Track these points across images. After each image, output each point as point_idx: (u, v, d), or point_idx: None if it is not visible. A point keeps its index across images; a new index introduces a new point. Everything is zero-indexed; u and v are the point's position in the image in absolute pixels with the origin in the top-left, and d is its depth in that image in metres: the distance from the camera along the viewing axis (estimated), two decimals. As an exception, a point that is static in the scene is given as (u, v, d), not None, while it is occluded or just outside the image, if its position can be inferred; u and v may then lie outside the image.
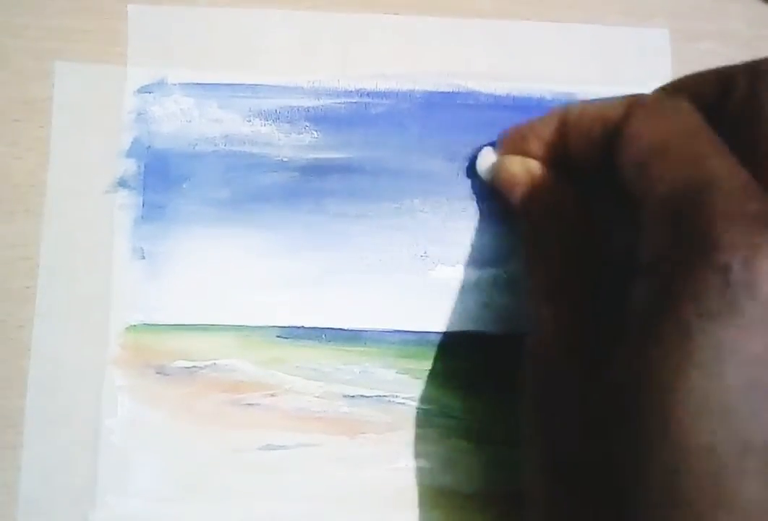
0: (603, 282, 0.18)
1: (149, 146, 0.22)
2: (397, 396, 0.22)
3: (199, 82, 0.23)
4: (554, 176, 0.20)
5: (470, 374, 0.22)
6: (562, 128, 0.20)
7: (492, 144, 0.22)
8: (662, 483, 0.14)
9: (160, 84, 0.23)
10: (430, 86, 0.23)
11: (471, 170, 0.22)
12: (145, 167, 0.22)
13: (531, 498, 0.18)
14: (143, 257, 0.22)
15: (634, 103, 0.18)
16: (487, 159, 0.22)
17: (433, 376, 0.22)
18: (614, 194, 0.19)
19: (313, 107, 0.23)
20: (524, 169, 0.20)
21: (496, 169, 0.21)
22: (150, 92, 0.23)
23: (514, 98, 0.23)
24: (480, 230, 0.22)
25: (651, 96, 0.19)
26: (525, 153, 0.21)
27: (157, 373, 0.22)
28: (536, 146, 0.20)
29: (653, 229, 0.16)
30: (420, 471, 0.21)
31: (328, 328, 0.22)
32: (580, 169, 0.20)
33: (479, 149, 0.22)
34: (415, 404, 0.22)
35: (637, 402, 0.15)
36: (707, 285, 0.14)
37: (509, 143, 0.21)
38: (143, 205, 0.22)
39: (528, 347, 0.19)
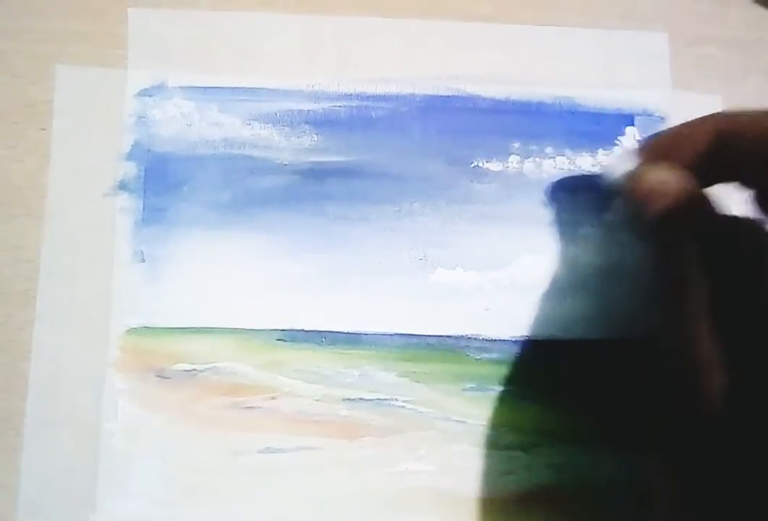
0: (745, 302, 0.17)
1: (149, 149, 0.22)
2: (396, 399, 0.22)
3: (199, 85, 0.23)
4: (704, 192, 0.19)
5: (470, 377, 0.22)
6: (722, 138, 0.18)
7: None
8: None
9: (161, 87, 0.23)
10: (430, 90, 0.23)
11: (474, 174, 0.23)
12: (145, 170, 0.22)
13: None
14: (143, 260, 0.22)
15: None
16: (624, 164, 0.20)
17: (434, 379, 0.22)
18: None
19: (313, 111, 0.23)
20: (671, 181, 0.19)
21: (635, 176, 0.20)
22: (150, 95, 0.23)
23: (514, 102, 0.23)
24: (480, 234, 0.22)
25: None
26: (673, 162, 0.19)
27: (158, 376, 0.22)
28: (689, 155, 0.19)
29: None
30: (419, 474, 0.21)
31: (327, 331, 0.22)
32: (743, 180, 0.19)
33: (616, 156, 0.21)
34: (414, 407, 0.22)
35: None
36: None
37: (655, 150, 0.20)
38: (143, 208, 0.22)
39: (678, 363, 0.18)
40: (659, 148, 0.20)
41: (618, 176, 0.20)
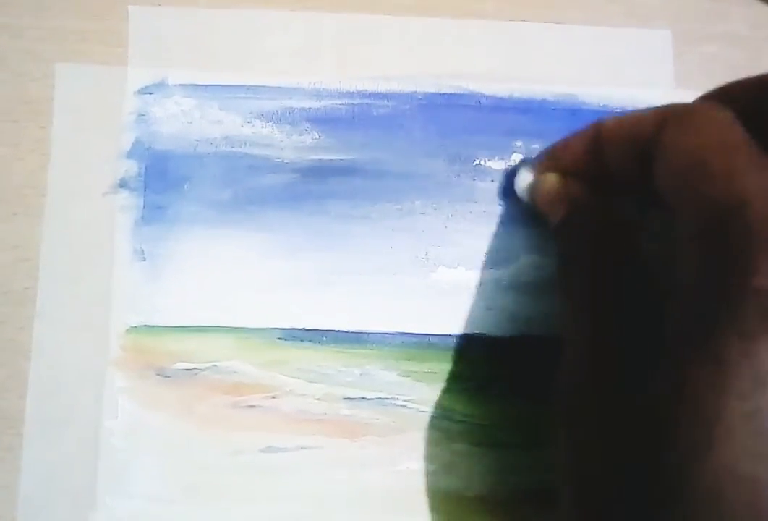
0: (639, 298, 0.18)
1: (150, 147, 0.22)
2: (398, 399, 0.22)
3: (199, 83, 0.23)
4: (591, 193, 0.20)
5: (472, 376, 0.22)
6: (597, 142, 0.19)
7: (527, 160, 0.22)
8: (701, 507, 0.14)
9: (161, 85, 0.23)
10: (431, 88, 0.23)
11: (474, 174, 0.23)
12: (145, 168, 0.22)
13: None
14: (144, 259, 0.22)
15: (669, 113, 0.18)
16: (524, 179, 0.21)
17: (435, 378, 0.22)
18: (652, 206, 0.18)
19: (314, 109, 0.23)
20: (561, 187, 0.20)
21: (533, 188, 0.21)
22: (150, 93, 0.23)
23: (516, 100, 0.23)
24: (482, 232, 0.22)
25: (687, 106, 0.18)
26: (561, 170, 0.20)
27: (158, 375, 0.21)
28: (572, 161, 0.20)
29: (688, 248, 0.16)
30: (421, 474, 0.21)
31: (329, 330, 0.22)
32: (617, 183, 0.19)
33: (515, 168, 0.22)
34: (416, 406, 0.22)
35: (678, 424, 0.15)
36: (744, 309, 0.14)
37: (545, 161, 0.21)
38: (144, 206, 0.22)
39: (563, 366, 0.18)
40: (549, 157, 0.21)
41: (522, 189, 0.21)
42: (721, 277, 0.15)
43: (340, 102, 0.23)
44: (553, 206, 0.20)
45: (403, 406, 0.22)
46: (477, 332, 0.22)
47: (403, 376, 0.22)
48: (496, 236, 0.22)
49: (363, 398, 0.22)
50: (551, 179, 0.20)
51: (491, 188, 0.23)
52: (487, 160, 0.23)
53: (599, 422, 0.17)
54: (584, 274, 0.19)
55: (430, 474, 0.21)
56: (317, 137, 0.23)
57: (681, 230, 0.16)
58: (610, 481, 0.16)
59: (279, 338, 0.22)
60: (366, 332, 0.22)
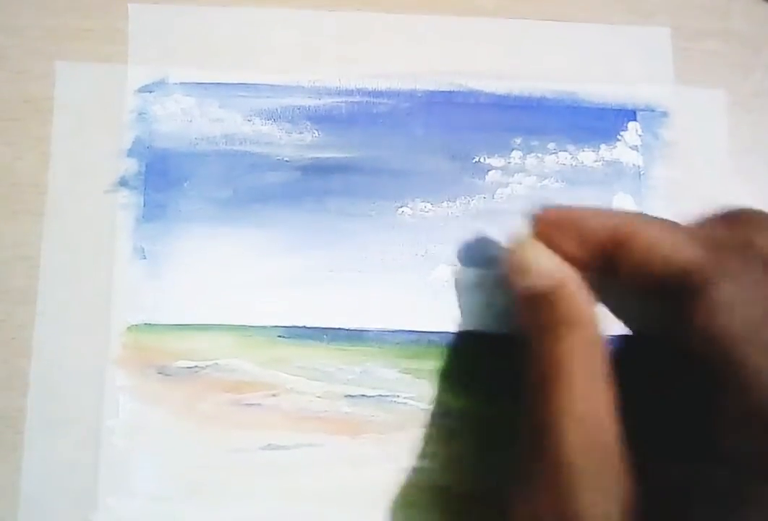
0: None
1: (150, 146, 0.22)
2: (398, 396, 0.22)
3: (199, 81, 0.23)
4: (583, 289, 0.18)
5: (472, 374, 0.22)
6: (619, 244, 0.17)
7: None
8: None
9: (161, 83, 0.23)
10: (431, 85, 0.23)
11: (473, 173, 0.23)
12: (146, 166, 0.22)
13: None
14: (144, 257, 0.22)
15: (715, 263, 0.16)
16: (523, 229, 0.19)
17: (435, 376, 0.22)
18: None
19: (314, 106, 0.23)
20: (552, 268, 0.18)
21: (515, 249, 0.19)
22: (151, 92, 0.23)
23: (516, 97, 0.23)
24: (482, 230, 0.22)
25: (734, 256, 0.16)
26: (559, 245, 0.18)
27: (159, 373, 0.21)
28: (578, 246, 0.18)
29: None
30: (422, 471, 0.21)
31: (329, 328, 0.22)
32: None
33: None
34: (416, 404, 0.21)
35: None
36: None
37: (548, 226, 0.19)
38: (144, 204, 0.22)
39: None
40: (555, 224, 0.18)
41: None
42: None
43: (340, 100, 0.23)
44: (528, 279, 0.18)
45: (404, 403, 0.22)
46: (477, 329, 0.22)
47: (404, 373, 0.22)
48: (496, 233, 0.22)
49: (363, 395, 0.22)
50: (543, 252, 0.18)
51: (491, 185, 0.23)
52: (486, 157, 0.23)
53: None
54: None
55: (430, 472, 0.21)
56: (317, 134, 0.23)
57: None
58: None
59: (280, 336, 0.22)
60: (366, 330, 0.22)
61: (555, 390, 0.17)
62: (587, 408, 0.16)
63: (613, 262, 0.18)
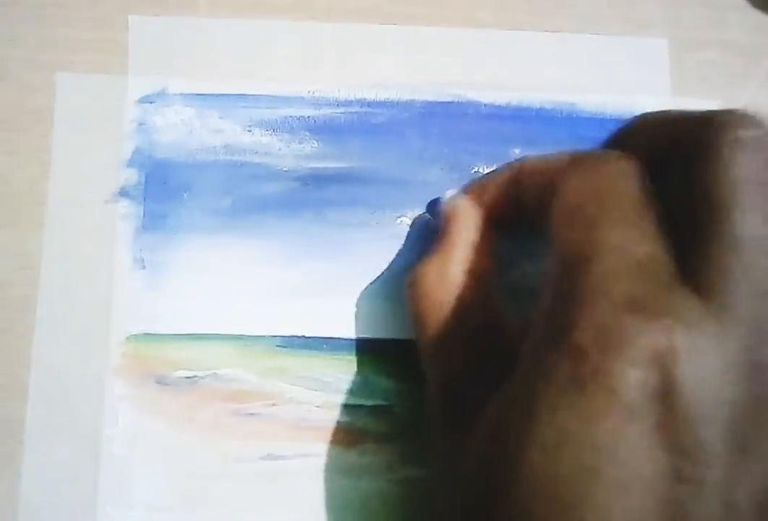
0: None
1: (150, 156, 0.23)
2: (397, 406, 0.22)
3: (199, 92, 0.23)
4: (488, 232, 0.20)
5: (471, 383, 0.22)
6: (517, 177, 0.19)
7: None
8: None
9: (161, 94, 0.23)
10: (430, 96, 0.23)
11: None
12: (146, 176, 0.22)
13: None
14: (144, 267, 0.22)
15: (579, 156, 0.17)
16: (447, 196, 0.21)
17: (434, 386, 0.22)
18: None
19: (313, 117, 0.23)
20: (469, 212, 0.20)
21: (444, 203, 0.21)
22: (151, 102, 0.23)
23: (514, 108, 0.23)
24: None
25: (597, 152, 0.18)
26: (480, 199, 0.20)
27: (158, 383, 0.22)
28: (491, 194, 0.19)
29: (543, 298, 0.16)
30: (420, 481, 0.21)
31: (328, 337, 0.22)
32: (528, 221, 0.19)
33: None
34: (415, 414, 0.22)
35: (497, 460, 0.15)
36: (560, 366, 0.14)
37: (471, 187, 0.20)
38: (144, 214, 0.22)
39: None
40: (475, 186, 0.20)
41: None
42: (551, 330, 0.14)
43: (339, 110, 0.23)
44: (449, 220, 0.20)
45: (402, 413, 0.22)
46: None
47: (403, 383, 0.22)
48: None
49: (362, 405, 0.22)
50: (464, 200, 0.20)
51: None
52: (485, 168, 0.23)
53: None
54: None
55: (429, 481, 0.21)
56: (316, 145, 0.23)
57: (548, 273, 0.16)
58: None
59: (279, 346, 0.22)
60: (366, 340, 0.22)
61: None
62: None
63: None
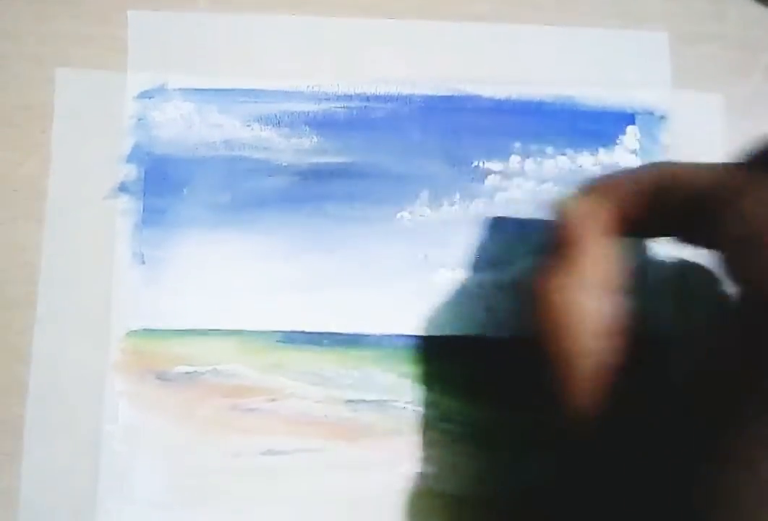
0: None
1: (150, 152, 0.23)
2: (398, 401, 0.22)
3: (199, 87, 0.23)
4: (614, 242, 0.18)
5: (472, 378, 0.22)
6: (661, 185, 0.18)
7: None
8: None
9: (161, 89, 0.23)
10: (429, 90, 0.23)
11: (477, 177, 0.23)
12: (145, 172, 0.22)
13: None
14: (144, 262, 0.22)
15: (745, 177, 0.16)
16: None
17: (435, 380, 0.22)
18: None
19: (313, 112, 0.23)
20: (596, 214, 0.18)
21: (563, 201, 0.19)
22: (150, 98, 0.23)
23: (514, 102, 0.23)
24: (481, 234, 0.22)
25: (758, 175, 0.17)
26: (612, 196, 0.18)
27: (158, 378, 0.21)
28: (629, 194, 0.18)
29: (747, 328, 0.15)
30: (422, 476, 0.21)
31: (328, 333, 0.22)
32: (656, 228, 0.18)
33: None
34: (416, 408, 0.21)
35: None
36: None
37: (597, 188, 0.19)
38: (144, 210, 0.22)
39: None
40: (601, 186, 0.19)
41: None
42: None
43: (339, 105, 0.23)
44: (570, 227, 0.18)
45: (403, 408, 0.21)
46: (477, 333, 0.22)
47: (403, 378, 0.22)
48: (496, 238, 0.22)
49: (363, 400, 0.22)
50: (587, 204, 0.19)
51: (490, 189, 0.23)
52: (485, 162, 0.23)
53: None
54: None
55: (430, 477, 0.21)
56: (316, 140, 0.23)
57: (741, 295, 0.15)
58: None
59: (279, 341, 0.22)
60: (366, 335, 0.22)
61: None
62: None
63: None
